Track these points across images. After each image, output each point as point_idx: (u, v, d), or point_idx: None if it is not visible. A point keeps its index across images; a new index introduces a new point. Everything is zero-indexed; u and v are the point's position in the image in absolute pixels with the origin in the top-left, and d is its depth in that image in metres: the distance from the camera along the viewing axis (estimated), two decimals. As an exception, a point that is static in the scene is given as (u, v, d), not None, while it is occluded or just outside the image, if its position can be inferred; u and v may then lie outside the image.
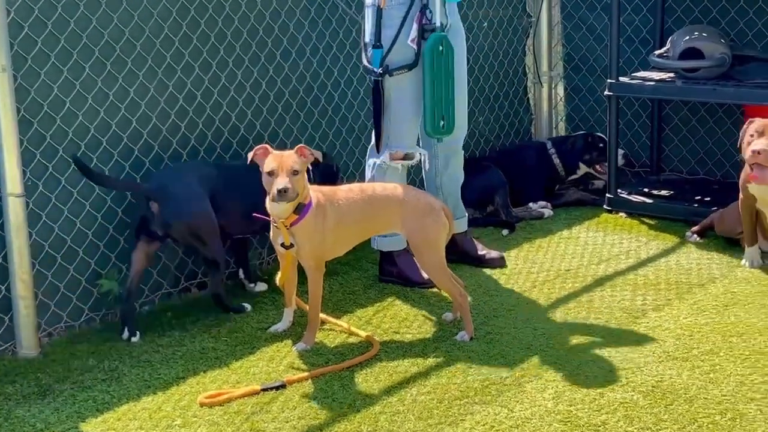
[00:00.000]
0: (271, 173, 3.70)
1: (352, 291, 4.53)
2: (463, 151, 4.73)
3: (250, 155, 3.78)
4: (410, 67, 4.29)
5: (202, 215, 4.17)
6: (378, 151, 4.42)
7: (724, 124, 5.82)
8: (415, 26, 4.26)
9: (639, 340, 3.87)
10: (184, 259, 4.58)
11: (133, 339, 4.04)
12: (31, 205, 3.97)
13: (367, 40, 4.36)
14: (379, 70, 4.27)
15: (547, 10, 6.25)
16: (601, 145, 5.74)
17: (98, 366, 3.81)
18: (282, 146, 4.87)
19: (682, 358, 3.70)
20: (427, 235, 3.95)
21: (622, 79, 5.52)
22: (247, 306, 4.34)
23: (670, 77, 5.46)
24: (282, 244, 3.87)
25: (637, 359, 3.70)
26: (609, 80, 5.52)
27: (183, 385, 3.64)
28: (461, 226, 4.74)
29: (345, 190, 4.02)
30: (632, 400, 3.38)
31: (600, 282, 4.54)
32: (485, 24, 6.03)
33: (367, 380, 3.62)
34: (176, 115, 4.49)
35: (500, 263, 4.78)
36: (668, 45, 5.48)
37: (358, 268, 4.78)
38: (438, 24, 4.29)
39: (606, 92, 5.55)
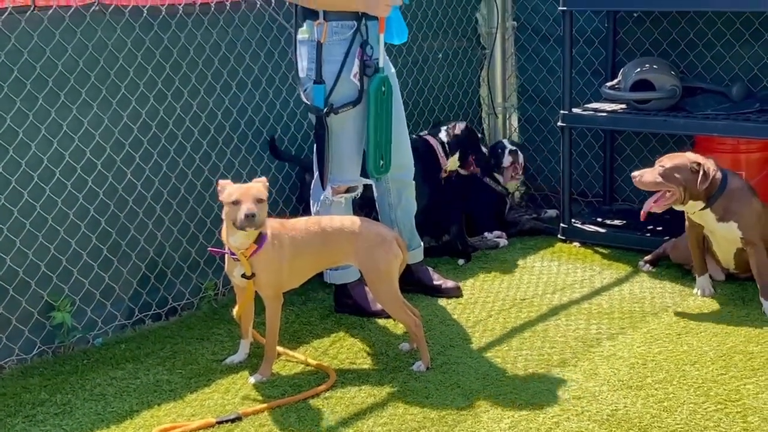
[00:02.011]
0: (236, 202, 3.70)
1: (308, 321, 4.52)
2: (414, 182, 4.72)
3: (219, 191, 3.80)
4: (354, 103, 4.26)
5: None
6: (323, 186, 4.38)
7: (675, 155, 5.89)
8: (357, 62, 4.23)
9: (594, 368, 3.90)
10: (138, 290, 4.55)
11: None
12: (-18, 237, 3.93)
13: (303, 75, 4.30)
14: (325, 109, 4.22)
15: (501, 42, 6.32)
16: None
17: (51, 399, 3.76)
18: (238, 178, 4.87)
19: (636, 386, 3.73)
20: (379, 265, 3.96)
21: (575, 110, 5.59)
22: None
23: (621, 108, 5.54)
24: (243, 275, 3.85)
25: (592, 388, 3.72)
26: (562, 111, 5.58)
27: (137, 418, 3.61)
28: (417, 256, 4.77)
29: (302, 222, 4.03)
30: (588, 429, 3.40)
31: (555, 311, 4.57)
32: (440, 55, 6.08)
33: (324, 411, 3.60)
34: (130, 146, 4.46)
35: (456, 293, 4.79)
36: (620, 77, 5.56)
37: (314, 298, 4.77)
38: (380, 59, 4.26)
39: (559, 123, 5.61)
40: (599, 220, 5.77)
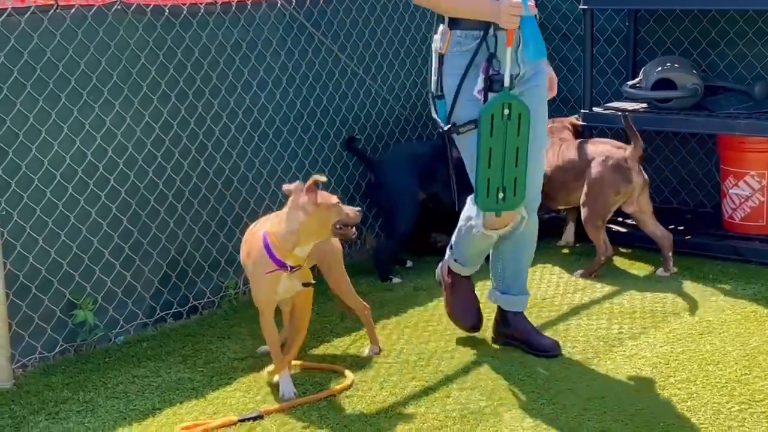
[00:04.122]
0: (336, 204, 3.62)
1: (328, 321, 4.51)
2: (536, 219, 4.05)
3: (291, 187, 3.68)
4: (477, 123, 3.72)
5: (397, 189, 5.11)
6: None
7: (697, 154, 5.87)
8: (481, 76, 3.71)
9: (616, 368, 3.88)
10: (160, 289, 4.56)
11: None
12: (5, 235, 3.94)
13: (432, 89, 3.86)
14: (446, 127, 3.77)
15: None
16: None
17: (73, 397, 3.78)
18: (258, 177, 4.88)
19: (659, 386, 3.71)
20: (336, 249, 4.00)
21: (595, 109, 5.57)
22: (398, 280, 5.03)
23: (642, 108, 5.51)
24: (305, 284, 3.73)
25: (614, 388, 3.71)
26: (583, 110, 5.57)
27: (159, 416, 3.61)
28: (515, 303, 4.14)
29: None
30: (611, 429, 3.39)
31: (576, 311, 4.55)
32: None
33: (345, 411, 3.60)
34: (152, 145, 4.48)
35: (554, 351, 4.05)
36: (641, 76, 5.54)
37: (333, 298, 4.76)
38: (506, 75, 3.68)
39: (580, 122, 5.59)
40: (620, 219, 5.74)
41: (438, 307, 4.62)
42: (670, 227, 5.41)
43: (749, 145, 5.30)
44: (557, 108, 6.32)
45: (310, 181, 3.60)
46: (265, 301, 3.72)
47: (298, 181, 3.72)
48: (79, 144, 4.20)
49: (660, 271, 5.00)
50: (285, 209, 3.67)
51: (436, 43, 3.84)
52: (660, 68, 5.43)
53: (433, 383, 3.81)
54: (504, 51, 3.69)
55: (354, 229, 3.67)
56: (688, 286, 4.82)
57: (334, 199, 3.65)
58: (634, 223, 5.65)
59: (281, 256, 3.62)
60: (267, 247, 3.63)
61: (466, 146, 3.82)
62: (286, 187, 3.71)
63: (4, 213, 3.93)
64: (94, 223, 4.28)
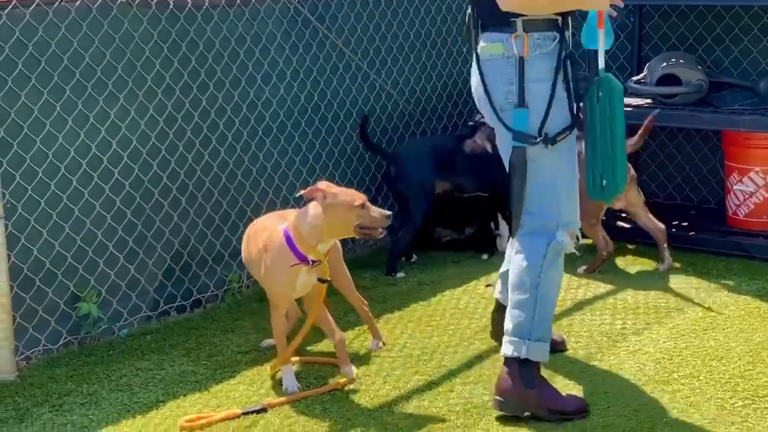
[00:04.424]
0: (365, 205, 3.60)
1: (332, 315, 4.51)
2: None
3: (307, 192, 3.61)
4: (571, 128, 3.45)
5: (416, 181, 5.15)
6: (512, 233, 3.57)
7: (701, 150, 5.86)
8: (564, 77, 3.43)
9: (619, 363, 3.88)
10: (163, 282, 4.56)
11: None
12: (10, 228, 3.95)
13: (500, 99, 3.42)
14: (538, 139, 3.39)
15: (526, 36, 6.28)
16: None
17: (77, 390, 3.78)
18: (262, 171, 4.88)
19: (662, 381, 3.71)
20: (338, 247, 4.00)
21: (600, 104, 5.55)
22: (402, 274, 5.01)
23: (647, 103, 5.50)
24: (320, 279, 3.74)
25: (618, 383, 3.71)
26: (587, 106, 5.55)
27: (163, 409, 3.62)
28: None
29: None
30: (614, 424, 3.39)
31: (579, 306, 4.55)
32: (465, 49, 6.05)
33: (348, 404, 3.60)
34: (156, 138, 4.48)
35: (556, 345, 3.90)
36: (645, 71, 5.53)
37: (337, 291, 4.77)
38: (601, 58, 3.53)
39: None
40: (624, 215, 5.73)
41: (441, 301, 4.62)
42: (674, 223, 5.42)
43: (754, 141, 5.29)
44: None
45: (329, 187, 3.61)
46: (282, 295, 3.73)
47: (324, 180, 3.71)
48: (83, 137, 4.20)
49: (659, 266, 4.99)
50: (306, 207, 3.65)
51: (496, 50, 3.40)
52: (665, 64, 5.42)
53: (436, 377, 3.81)
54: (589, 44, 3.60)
55: (380, 230, 3.64)
56: (692, 281, 4.81)
57: (359, 199, 3.60)
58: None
59: (304, 250, 3.62)
60: (289, 241, 3.62)
61: (556, 157, 3.45)
62: (303, 191, 3.65)
63: (8, 205, 3.94)
64: (99, 216, 4.29)
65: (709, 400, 3.54)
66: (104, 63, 4.24)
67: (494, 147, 5.18)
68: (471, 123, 5.48)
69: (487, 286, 4.81)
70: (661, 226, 5.05)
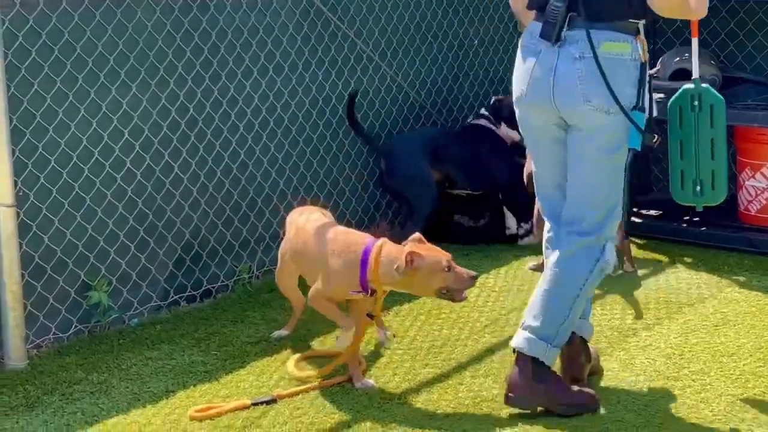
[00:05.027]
0: (449, 268, 3.46)
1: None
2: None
3: (417, 260, 3.43)
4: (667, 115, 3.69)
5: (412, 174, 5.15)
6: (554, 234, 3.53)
7: (713, 145, 5.84)
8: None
9: (630, 359, 3.87)
10: (174, 272, 4.57)
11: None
12: (21, 216, 3.95)
13: (623, 100, 3.28)
14: (655, 140, 3.33)
15: (539, 28, 6.25)
16: None
17: (87, 378, 3.79)
18: (273, 162, 4.87)
19: (673, 377, 3.70)
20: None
21: (612, 98, 5.53)
22: None
23: (660, 98, 5.48)
24: (369, 314, 3.70)
25: (628, 378, 3.70)
26: (599, 100, 5.53)
27: (173, 398, 3.62)
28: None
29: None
30: (624, 419, 3.38)
31: (590, 300, 4.54)
32: (476, 42, 6.05)
33: (358, 396, 3.60)
34: (168, 128, 4.47)
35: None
36: (659, 66, 5.51)
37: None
38: (695, 67, 3.86)
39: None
40: (635, 209, 5.72)
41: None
42: (685, 218, 5.41)
43: (767, 136, 5.27)
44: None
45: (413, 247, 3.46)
46: (329, 297, 3.68)
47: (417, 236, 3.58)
48: (95, 126, 4.20)
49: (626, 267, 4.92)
50: (399, 248, 3.51)
51: (621, 49, 3.28)
52: (678, 58, 5.39)
53: (446, 370, 3.81)
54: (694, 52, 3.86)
55: (465, 293, 3.50)
56: (703, 277, 4.80)
57: (445, 260, 3.44)
58: (649, 213, 5.64)
59: (371, 281, 3.53)
60: (364, 264, 3.52)
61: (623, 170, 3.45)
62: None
63: (20, 194, 3.94)
64: (110, 205, 4.29)
65: (720, 397, 3.53)
66: (117, 52, 4.23)
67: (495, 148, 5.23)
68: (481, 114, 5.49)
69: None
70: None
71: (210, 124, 4.64)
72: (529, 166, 4.04)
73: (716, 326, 4.17)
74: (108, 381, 3.76)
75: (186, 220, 4.59)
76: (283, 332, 4.14)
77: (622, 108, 3.27)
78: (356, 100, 5.18)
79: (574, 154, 3.41)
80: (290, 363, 3.83)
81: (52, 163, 4.07)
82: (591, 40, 3.27)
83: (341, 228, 3.78)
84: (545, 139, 3.49)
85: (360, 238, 3.64)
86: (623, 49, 3.29)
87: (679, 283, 4.74)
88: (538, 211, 4.72)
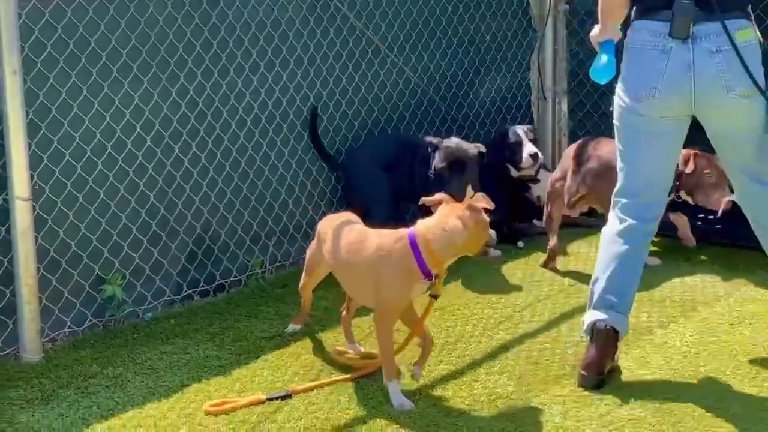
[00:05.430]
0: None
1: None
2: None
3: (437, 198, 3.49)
4: None
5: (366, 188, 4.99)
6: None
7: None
8: None
9: (645, 357, 3.86)
10: (186, 266, 4.56)
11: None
12: (37, 210, 3.95)
13: (761, 83, 3.43)
14: None
15: (553, 25, 6.24)
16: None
17: (102, 372, 3.79)
18: (280, 157, 4.86)
19: (689, 375, 3.68)
20: None
21: (627, 95, 5.51)
22: None
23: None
24: (435, 295, 3.56)
25: (644, 376, 3.69)
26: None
27: (188, 392, 3.62)
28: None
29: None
30: (640, 418, 3.37)
31: (604, 298, 4.52)
32: (487, 37, 6.02)
33: (373, 392, 3.59)
34: (178, 122, 4.47)
35: None
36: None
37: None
38: None
39: (612, 108, 5.53)
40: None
41: (466, 291, 4.60)
42: (700, 216, 5.37)
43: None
44: (587, 94, 6.30)
45: (473, 201, 3.42)
46: (399, 303, 3.51)
47: (443, 195, 3.53)
48: (108, 120, 4.20)
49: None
50: (438, 219, 3.45)
51: (750, 35, 3.43)
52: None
53: (460, 367, 3.80)
54: None
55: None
56: (719, 275, 4.78)
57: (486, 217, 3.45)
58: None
59: (431, 264, 3.43)
60: (416, 252, 3.42)
61: None
62: (425, 199, 3.53)
63: (36, 187, 3.94)
64: (123, 199, 4.29)
65: (737, 395, 3.51)
66: (129, 46, 4.23)
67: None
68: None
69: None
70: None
71: (219, 118, 4.63)
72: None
73: (732, 325, 4.16)
74: (123, 375, 3.76)
75: (197, 215, 4.59)
76: (296, 327, 4.13)
77: (762, 91, 3.41)
78: (318, 115, 5.05)
79: (728, 136, 3.57)
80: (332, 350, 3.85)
81: (67, 156, 4.07)
82: (728, 32, 3.36)
83: (374, 230, 3.66)
84: (664, 133, 3.59)
85: (396, 231, 3.55)
86: (750, 35, 3.43)
87: (694, 281, 4.72)
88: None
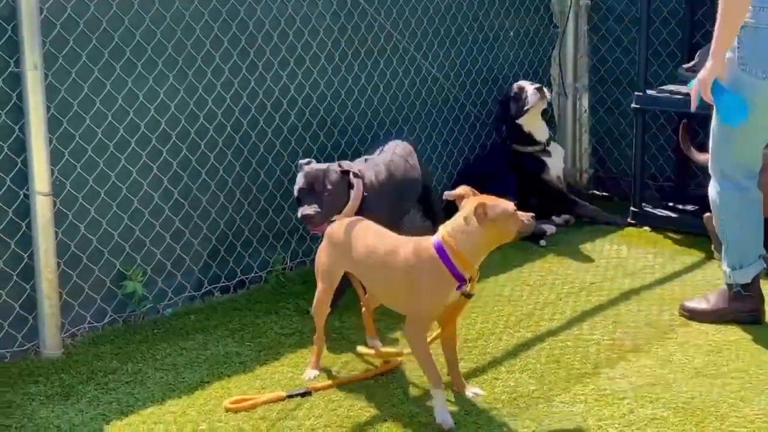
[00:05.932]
0: (515, 212, 3.33)
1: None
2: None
3: (489, 209, 3.31)
4: None
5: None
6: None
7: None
8: None
9: (668, 355, 3.83)
10: (208, 262, 4.56)
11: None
12: (58, 204, 3.96)
13: None
14: None
15: (574, 21, 6.21)
16: None
17: (122, 368, 3.79)
18: (308, 153, 4.85)
19: (711, 374, 3.66)
20: None
21: (649, 92, 5.48)
22: None
23: (698, 91, 5.41)
24: (469, 294, 3.45)
25: (666, 375, 3.66)
26: (637, 93, 5.48)
27: (208, 389, 3.62)
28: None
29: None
30: (662, 417, 3.35)
31: (626, 296, 4.50)
32: (511, 34, 5.99)
33: (393, 390, 3.59)
34: (205, 118, 4.47)
35: None
36: (697, 59, 5.42)
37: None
38: None
39: (633, 105, 5.52)
40: (671, 204, 5.67)
41: (485, 288, 4.57)
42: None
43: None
44: (609, 90, 6.26)
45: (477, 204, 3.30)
46: (435, 312, 3.43)
47: (465, 187, 3.44)
48: (132, 115, 4.20)
49: None
50: (457, 221, 3.36)
51: None
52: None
53: (481, 365, 3.79)
54: None
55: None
56: (741, 274, 4.74)
57: (511, 206, 3.33)
58: (685, 208, 5.59)
59: (462, 268, 3.34)
60: (445, 258, 3.33)
61: None
62: (448, 194, 3.44)
63: (57, 182, 3.95)
64: (145, 195, 4.29)
65: (760, 395, 3.49)
66: (155, 41, 4.23)
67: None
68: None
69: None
70: None
71: (246, 114, 4.63)
72: None
73: (755, 323, 4.12)
74: (143, 371, 3.77)
75: (221, 211, 4.59)
76: (315, 372, 3.76)
77: None
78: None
79: None
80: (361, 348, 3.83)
81: (89, 152, 4.07)
82: None
83: (392, 236, 3.58)
84: None
85: (418, 239, 3.45)
86: None
87: (716, 278, 4.67)
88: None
